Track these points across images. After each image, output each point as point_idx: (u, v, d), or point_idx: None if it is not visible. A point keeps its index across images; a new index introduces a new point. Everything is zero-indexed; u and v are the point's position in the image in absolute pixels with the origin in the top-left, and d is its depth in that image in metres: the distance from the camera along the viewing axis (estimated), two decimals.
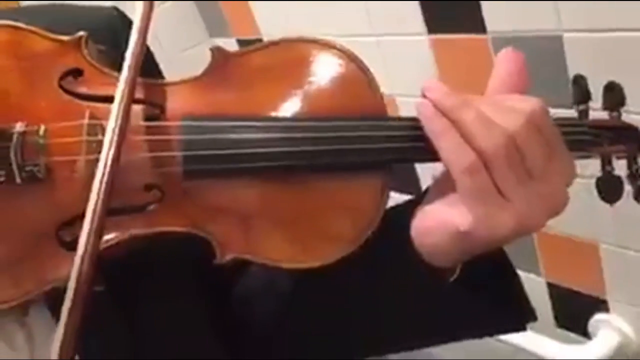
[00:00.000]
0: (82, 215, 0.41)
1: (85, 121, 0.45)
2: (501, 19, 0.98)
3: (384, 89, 0.48)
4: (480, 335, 0.54)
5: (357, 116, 0.46)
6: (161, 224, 0.46)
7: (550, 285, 1.21)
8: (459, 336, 0.54)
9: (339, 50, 0.48)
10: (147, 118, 0.47)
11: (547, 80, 0.95)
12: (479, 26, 1.01)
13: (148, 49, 0.52)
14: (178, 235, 0.46)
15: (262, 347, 0.59)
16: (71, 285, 0.39)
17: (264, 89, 0.48)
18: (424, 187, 0.51)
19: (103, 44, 0.51)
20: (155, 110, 0.47)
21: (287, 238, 0.46)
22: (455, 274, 0.49)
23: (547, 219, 0.44)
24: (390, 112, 0.48)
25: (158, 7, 0.47)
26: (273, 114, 0.47)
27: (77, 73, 0.48)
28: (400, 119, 0.47)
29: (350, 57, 0.48)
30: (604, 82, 0.51)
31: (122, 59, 0.45)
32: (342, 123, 0.46)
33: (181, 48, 1.48)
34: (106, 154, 0.42)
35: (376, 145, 0.45)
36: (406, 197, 0.51)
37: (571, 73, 0.94)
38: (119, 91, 0.44)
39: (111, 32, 0.55)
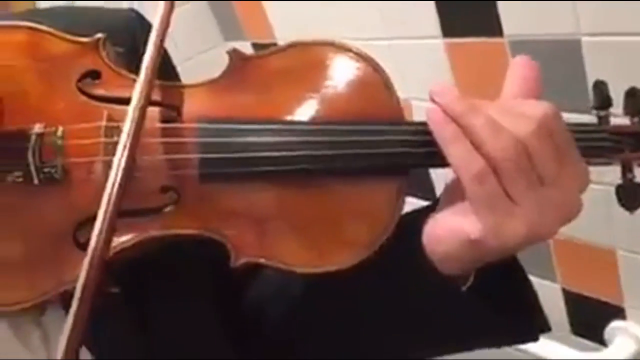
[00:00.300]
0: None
1: (103, 123, 0.46)
2: (518, 22, 0.98)
3: (398, 92, 0.48)
4: (491, 345, 0.53)
5: (374, 120, 0.46)
6: (176, 226, 0.46)
7: (566, 292, 1.20)
8: (469, 346, 0.53)
9: (355, 53, 0.48)
10: (164, 120, 0.47)
11: (565, 84, 0.94)
12: (496, 29, 1.00)
13: (165, 51, 0.52)
14: (193, 237, 0.46)
15: (272, 350, 0.59)
16: (79, 285, 0.39)
17: (281, 92, 0.48)
18: (438, 191, 0.50)
19: (121, 46, 0.52)
20: (172, 112, 0.47)
21: (302, 242, 0.46)
22: (468, 282, 0.49)
23: (559, 226, 0.43)
24: (406, 117, 0.48)
25: (176, 8, 0.47)
26: (290, 117, 0.47)
27: (95, 75, 0.48)
28: (417, 123, 0.46)
29: (367, 60, 0.48)
30: (624, 87, 0.50)
31: (140, 61, 0.45)
32: (358, 127, 0.46)
33: (196, 51, 1.48)
34: (120, 156, 0.42)
35: (392, 150, 0.45)
36: (419, 202, 0.51)
37: (589, 77, 0.93)
38: (136, 93, 0.44)
39: (129, 35, 0.55)
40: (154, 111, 0.47)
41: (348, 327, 0.53)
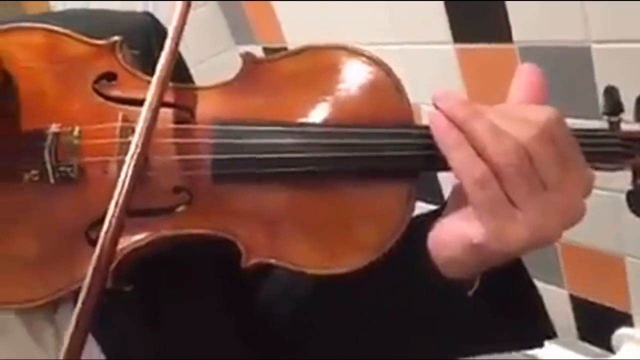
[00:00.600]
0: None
1: (118, 124, 0.46)
2: (528, 28, 0.98)
3: (409, 97, 0.48)
4: (496, 350, 0.53)
5: (385, 123, 0.47)
6: (188, 226, 0.47)
7: (573, 298, 1.20)
8: (474, 351, 0.53)
9: (367, 57, 0.48)
10: (178, 121, 0.47)
11: (574, 90, 0.95)
12: (506, 36, 1.00)
13: (180, 54, 0.53)
14: (205, 237, 0.47)
15: (280, 350, 0.59)
16: (85, 283, 0.40)
17: (294, 95, 0.48)
18: (446, 195, 0.50)
19: (136, 48, 0.52)
20: (186, 113, 0.48)
21: (312, 244, 0.47)
22: (474, 287, 0.49)
23: (562, 230, 0.43)
24: (416, 121, 0.48)
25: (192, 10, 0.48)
26: (302, 119, 0.47)
27: (111, 77, 0.49)
28: (427, 127, 0.47)
29: (378, 64, 0.48)
30: (634, 94, 0.51)
31: (155, 64, 0.46)
32: (369, 130, 0.46)
33: (208, 55, 1.49)
34: (131, 156, 0.42)
35: (403, 153, 0.45)
36: (427, 206, 0.51)
37: (599, 84, 0.93)
38: (150, 94, 0.45)
39: (144, 38, 0.56)
40: (168, 112, 0.47)
41: (353, 329, 0.54)
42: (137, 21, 0.59)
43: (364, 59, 0.48)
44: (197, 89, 0.50)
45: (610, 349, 1.15)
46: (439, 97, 0.44)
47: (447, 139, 0.43)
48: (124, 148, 0.45)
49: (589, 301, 1.17)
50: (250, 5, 1.49)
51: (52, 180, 0.46)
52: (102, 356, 0.51)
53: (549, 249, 1.13)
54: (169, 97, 0.47)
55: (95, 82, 0.49)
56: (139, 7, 0.93)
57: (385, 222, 0.46)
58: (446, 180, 1.11)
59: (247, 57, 0.49)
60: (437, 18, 1.09)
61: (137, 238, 0.46)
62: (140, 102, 0.45)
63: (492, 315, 0.48)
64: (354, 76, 0.48)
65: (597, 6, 0.88)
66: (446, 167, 0.44)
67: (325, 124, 0.47)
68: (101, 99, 0.48)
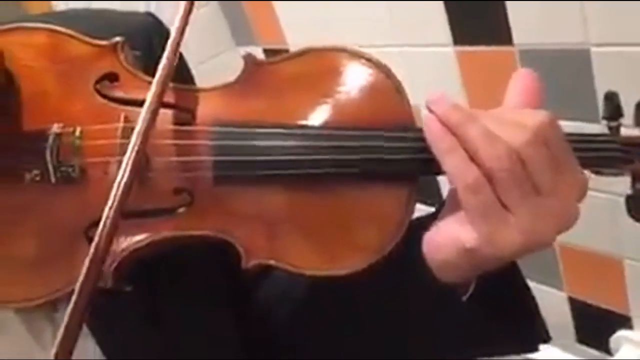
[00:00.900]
0: None
1: (120, 124, 0.46)
2: (528, 31, 0.98)
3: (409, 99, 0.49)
4: (491, 354, 0.54)
5: (385, 125, 0.47)
6: (189, 227, 0.47)
7: (572, 301, 1.20)
8: (469, 354, 0.53)
9: (368, 59, 0.49)
10: (179, 123, 0.48)
11: (573, 94, 0.95)
12: (506, 38, 1.01)
13: (181, 55, 0.53)
14: (205, 239, 0.47)
15: (278, 350, 0.59)
16: (78, 283, 0.39)
17: (295, 97, 0.48)
18: (445, 197, 0.50)
19: (138, 49, 0.52)
20: (187, 115, 0.48)
21: (312, 246, 0.47)
22: (469, 291, 0.49)
23: (556, 234, 0.43)
24: (416, 123, 0.48)
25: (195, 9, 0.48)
26: (302, 121, 0.48)
27: (112, 77, 0.49)
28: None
29: (379, 67, 0.48)
30: (633, 98, 0.51)
31: (157, 64, 0.46)
32: (369, 133, 0.46)
33: (208, 56, 1.50)
34: (128, 157, 0.42)
35: (401, 156, 0.46)
36: (428, 208, 0.52)
37: (598, 87, 0.94)
38: (150, 94, 0.45)
39: (146, 39, 0.56)
40: (169, 114, 0.47)
41: (350, 331, 0.54)
42: (138, 22, 0.59)
43: (364, 61, 0.49)
44: (198, 90, 0.50)
45: (608, 352, 1.15)
46: (433, 101, 0.44)
47: (440, 144, 0.43)
48: (125, 149, 0.45)
49: (588, 304, 1.18)
50: (250, 7, 1.50)
51: (53, 180, 0.46)
52: (101, 356, 0.51)
53: (547, 252, 1.13)
54: (170, 98, 0.47)
55: (97, 82, 0.49)
56: (141, 7, 0.93)
57: (385, 225, 0.46)
58: (445, 182, 1.11)
59: (249, 59, 0.49)
60: (437, 20, 1.09)
61: (138, 239, 0.47)
62: (141, 103, 0.45)
63: (486, 320, 0.48)
64: (355, 78, 0.48)
65: (596, 9, 0.89)
66: (442, 171, 0.44)
67: (325, 126, 0.47)
68: (103, 100, 0.48)
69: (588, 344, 1.22)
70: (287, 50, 0.50)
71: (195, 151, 0.47)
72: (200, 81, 0.54)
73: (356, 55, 0.49)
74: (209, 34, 1.54)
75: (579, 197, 0.44)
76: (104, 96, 0.48)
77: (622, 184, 0.50)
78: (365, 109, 0.48)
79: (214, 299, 0.57)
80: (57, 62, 0.49)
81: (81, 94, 0.48)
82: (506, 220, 0.42)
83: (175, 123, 0.48)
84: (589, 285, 1.16)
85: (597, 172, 0.50)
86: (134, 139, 0.43)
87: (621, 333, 1.12)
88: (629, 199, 0.49)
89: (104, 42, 0.50)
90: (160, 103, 0.45)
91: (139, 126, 0.43)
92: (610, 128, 0.50)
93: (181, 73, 0.52)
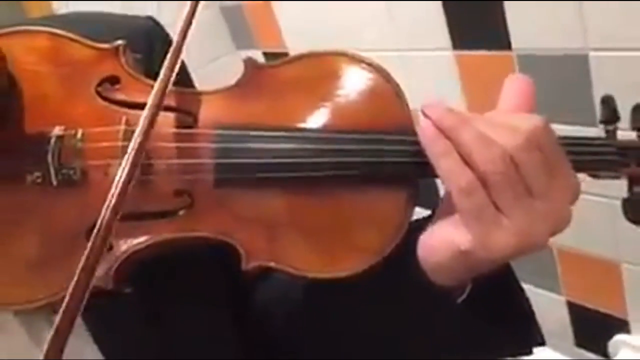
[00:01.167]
0: None
1: (122, 127, 0.46)
2: (527, 36, 0.99)
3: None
4: (484, 356, 0.54)
5: (385, 129, 0.47)
6: (189, 229, 0.47)
7: (570, 304, 1.20)
8: (462, 357, 0.53)
9: (367, 63, 0.49)
10: (180, 125, 0.48)
11: (571, 98, 0.95)
12: (505, 43, 1.01)
13: (182, 60, 0.53)
14: (205, 241, 0.47)
15: (276, 352, 0.59)
16: (71, 285, 0.39)
17: (295, 101, 0.49)
18: None
19: (139, 53, 0.53)
20: (188, 118, 0.48)
21: (312, 248, 0.47)
22: (464, 294, 0.49)
23: (549, 237, 0.43)
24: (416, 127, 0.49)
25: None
26: (303, 125, 0.48)
27: (114, 80, 0.49)
28: None
29: (378, 71, 0.49)
30: (630, 102, 0.51)
31: (159, 67, 0.46)
32: (369, 136, 0.47)
33: (208, 59, 1.50)
34: (126, 160, 0.42)
35: (402, 159, 0.46)
36: (425, 211, 0.52)
37: (596, 91, 0.94)
38: (151, 97, 0.45)
39: (146, 42, 0.57)
40: (170, 117, 0.48)
41: (346, 334, 0.54)
42: (139, 25, 0.59)
43: (364, 65, 0.49)
44: (199, 93, 0.50)
45: (606, 356, 1.15)
46: (427, 106, 0.44)
47: (434, 147, 0.43)
48: (126, 151, 0.46)
49: (586, 308, 1.18)
50: (251, 11, 1.50)
51: (54, 183, 0.46)
52: (100, 357, 0.52)
53: (546, 256, 1.14)
54: (171, 101, 0.48)
55: (99, 85, 0.49)
56: (143, 7, 0.93)
57: (385, 227, 0.47)
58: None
59: (249, 63, 0.50)
60: (437, 25, 1.10)
61: (138, 241, 0.47)
62: (143, 106, 0.46)
63: (481, 322, 0.49)
64: (354, 82, 0.49)
65: (595, 15, 0.89)
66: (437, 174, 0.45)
67: (325, 129, 0.48)
68: (104, 103, 0.49)
69: (586, 348, 1.23)
70: (286, 54, 0.50)
71: (197, 154, 0.47)
72: (201, 85, 0.54)
73: (356, 59, 0.49)
74: (210, 38, 1.54)
75: (571, 200, 0.44)
76: (106, 99, 0.49)
77: (621, 189, 0.51)
78: (365, 113, 0.48)
79: (213, 300, 0.57)
80: (58, 65, 0.49)
81: (83, 97, 0.49)
82: (500, 222, 0.42)
83: (177, 126, 0.48)
84: (587, 289, 1.16)
85: (593, 176, 0.50)
86: (134, 141, 0.43)
87: (619, 337, 1.12)
88: (625, 202, 0.49)
89: (105, 46, 0.50)
90: (159, 105, 0.45)
91: (139, 128, 0.43)
92: (607, 132, 0.50)
93: (181, 76, 0.52)
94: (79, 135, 0.46)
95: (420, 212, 0.50)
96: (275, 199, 0.47)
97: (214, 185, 0.47)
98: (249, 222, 0.47)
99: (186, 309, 0.55)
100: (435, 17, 1.09)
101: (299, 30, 1.41)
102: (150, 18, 0.61)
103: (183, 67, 0.59)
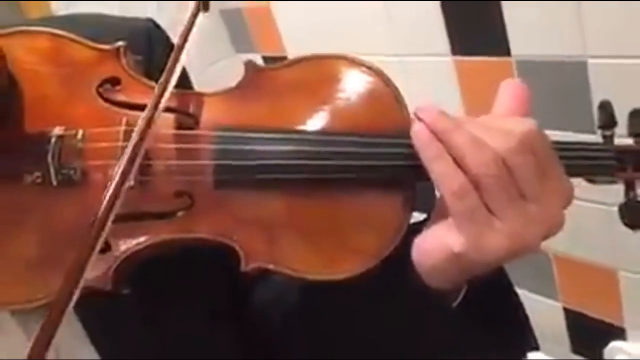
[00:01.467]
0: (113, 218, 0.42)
1: (122, 128, 0.47)
2: (526, 42, 0.99)
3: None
4: None
5: (384, 132, 0.47)
6: (189, 230, 0.47)
7: (567, 311, 1.20)
8: None
9: (367, 67, 0.49)
10: (181, 127, 0.48)
11: (569, 104, 0.96)
12: (504, 49, 1.01)
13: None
14: (204, 242, 0.47)
15: (273, 353, 0.59)
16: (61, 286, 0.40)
17: (294, 103, 0.49)
18: None
19: (138, 54, 0.53)
20: (189, 119, 0.48)
21: (312, 250, 0.47)
22: (459, 297, 0.49)
23: (541, 240, 0.44)
24: None
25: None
26: (303, 127, 0.48)
27: (114, 81, 0.49)
28: None
29: (378, 74, 0.49)
30: (628, 108, 0.52)
31: (160, 70, 0.47)
32: (367, 139, 0.47)
33: (208, 62, 1.50)
34: (125, 158, 0.42)
35: (400, 163, 0.46)
36: (423, 215, 0.52)
37: (594, 98, 0.95)
38: (154, 97, 0.45)
39: (146, 44, 0.57)
40: (171, 118, 0.48)
41: (342, 336, 0.54)
42: (139, 27, 0.60)
43: (363, 68, 0.49)
44: (200, 95, 0.50)
45: None
46: (421, 109, 0.45)
47: (426, 150, 0.43)
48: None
49: (583, 314, 1.18)
50: (250, 14, 1.51)
51: (54, 183, 0.46)
52: (96, 357, 0.52)
53: (542, 262, 1.14)
54: (172, 103, 0.48)
55: (99, 86, 0.49)
56: (143, 7, 0.93)
57: (383, 229, 0.47)
58: None
59: (250, 65, 0.50)
60: (436, 30, 1.10)
61: (137, 241, 0.47)
62: (143, 107, 0.46)
63: (474, 327, 0.49)
64: (354, 85, 0.49)
65: (594, 22, 0.90)
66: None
67: (324, 132, 0.48)
68: (105, 103, 0.49)
69: (582, 354, 1.23)
70: (285, 58, 0.50)
71: (197, 155, 0.47)
72: (200, 87, 0.54)
73: (356, 62, 0.49)
74: (209, 41, 1.55)
75: (564, 204, 0.44)
76: (106, 100, 0.49)
77: (618, 195, 0.51)
78: (364, 116, 0.48)
79: (211, 302, 0.57)
80: (59, 66, 0.50)
81: (83, 98, 0.49)
82: (492, 225, 0.42)
83: (177, 127, 0.48)
84: (584, 296, 1.17)
85: (591, 181, 0.50)
86: (133, 141, 0.43)
87: (615, 344, 1.12)
88: (622, 207, 0.50)
89: (106, 47, 0.50)
90: (156, 105, 0.45)
91: (138, 127, 0.44)
92: (604, 137, 0.50)
93: (180, 79, 0.52)
94: (79, 135, 0.46)
95: (418, 216, 0.50)
96: (275, 200, 0.47)
97: (213, 187, 0.47)
98: (248, 224, 0.47)
99: (184, 310, 0.55)
100: (434, 23, 1.09)
101: (298, 35, 1.41)
102: (149, 20, 0.61)
103: (183, 70, 0.59)
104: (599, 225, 0.97)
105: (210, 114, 0.49)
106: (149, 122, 0.44)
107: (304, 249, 0.47)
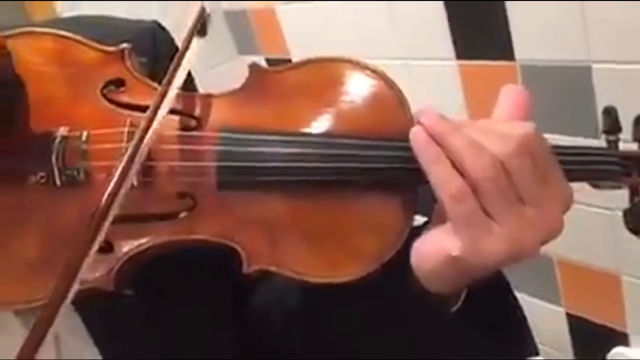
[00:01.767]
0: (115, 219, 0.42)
1: (126, 129, 0.47)
2: (530, 47, 0.99)
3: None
4: None
5: (387, 136, 0.47)
6: (192, 232, 0.47)
7: (570, 316, 1.20)
8: None
9: (371, 70, 0.49)
10: (185, 128, 0.48)
11: (574, 109, 0.96)
12: (508, 53, 1.01)
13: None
14: (207, 243, 0.47)
15: (273, 354, 0.59)
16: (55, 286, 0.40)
17: (299, 106, 0.49)
18: None
19: (143, 56, 0.53)
20: (193, 121, 0.49)
21: (314, 252, 0.47)
22: (458, 302, 0.49)
23: (540, 244, 0.43)
24: None
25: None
26: (306, 130, 0.48)
27: (119, 83, 0.50)
28: None
29: (382, 78, 0.49)
30: (633, 114, 0.51)
31: (165, 72, 0.47)
32: (371, 142, 0.47)
33: (211, 64, 1.50)
34: (126, 157, 0.42)
35: (403, 166, 0.46)
36: (424, 219, 0.52)
37: (599, 103, 0.94)
38: (158, 97, 0.45)
39: (151, 45, 0.57)
40: (175, 119, 0.48)
41: (342, 338, 0.54)
42: (144, 29, 0.60)
43: (368, 72, 0.49)
44: (204, 96, 0.50)
45: None
46: (421, 112, 0.45)
47: (425, 154, 0.43)
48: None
49: (585, 319, 1.18)
50: (254, 17, 1.51)
51: (58, 183, 0.46)
52: (99, 355, 0.52)
53: (545, 267, 1.14)
54: (176, 104, 0.48)
55: (104, 87, 0.49)
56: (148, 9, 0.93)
57: (385, 233, 0.47)
58: None
59: (254, 67, 0.50)
60: (440, 34, 1.10)
61: (139, 242, 0.47)
62: (147, 109, 0.46)
63: (474, 332, 0.49)
64: (358, 88, 0.49)
65: (598, 27, 0.90)
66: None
67: (328, 134, 0.48)
68: (109, 105, 0.49)
69: None
70: (289, 61, 0.50)
71: (201, 157, 0.47)
72: (203, 89, 0.54)
73: (360, 65, 0.49)
74: (213, 43, 1.55)
75: (563, 209, 0.44)
76: (111, 101, 0.49)
77: (622, 200, 0.51)
78: (368, 119, 0.48)
79: (213, 303, 0.57)
80: (64, 67, 0.50)
81: (88, 99, 0.49)
82: (490, 229, 0.42)
83: (182, 128, 0.48)
84: (587, 301, 1.16)
85: (595, 186, 0.50)
86: (136, 139, 0.43)
87: (618, 349, 1.12)
88: (627, 212, 0.50)
89: (111, 48, 0.51)
90: (158, 106, 0.45)
91: (140, 127, 0.44)
92: (608, 142, 0.50)
93: (185, 81, 0.52)
94: (83, 136, 0.47)
95: (420, 219, 0.50)
96: (278, 202, 0.47)
97: (216, 188, 0.47)
98: (251, 226, 0.47)
99: (186, 311, 0.55)
100: (438, 26, 1.09)
101: (302, 37, 1.41)
102: (154, 22, 0.61)
103: (188, 74, 0.59)
104: (603, 230, 0.97)
105: (214, 116, 0.49)
106: (150, 121, 0.44)
107: (306, 252, 0.47)
